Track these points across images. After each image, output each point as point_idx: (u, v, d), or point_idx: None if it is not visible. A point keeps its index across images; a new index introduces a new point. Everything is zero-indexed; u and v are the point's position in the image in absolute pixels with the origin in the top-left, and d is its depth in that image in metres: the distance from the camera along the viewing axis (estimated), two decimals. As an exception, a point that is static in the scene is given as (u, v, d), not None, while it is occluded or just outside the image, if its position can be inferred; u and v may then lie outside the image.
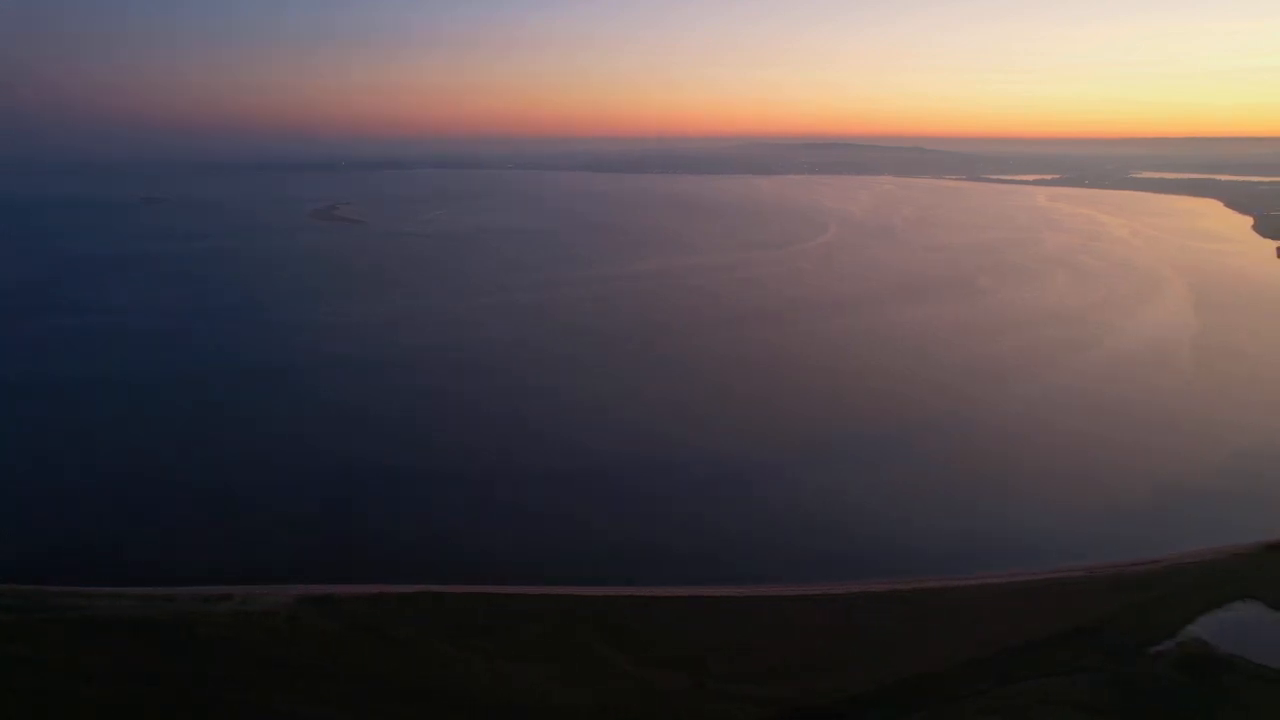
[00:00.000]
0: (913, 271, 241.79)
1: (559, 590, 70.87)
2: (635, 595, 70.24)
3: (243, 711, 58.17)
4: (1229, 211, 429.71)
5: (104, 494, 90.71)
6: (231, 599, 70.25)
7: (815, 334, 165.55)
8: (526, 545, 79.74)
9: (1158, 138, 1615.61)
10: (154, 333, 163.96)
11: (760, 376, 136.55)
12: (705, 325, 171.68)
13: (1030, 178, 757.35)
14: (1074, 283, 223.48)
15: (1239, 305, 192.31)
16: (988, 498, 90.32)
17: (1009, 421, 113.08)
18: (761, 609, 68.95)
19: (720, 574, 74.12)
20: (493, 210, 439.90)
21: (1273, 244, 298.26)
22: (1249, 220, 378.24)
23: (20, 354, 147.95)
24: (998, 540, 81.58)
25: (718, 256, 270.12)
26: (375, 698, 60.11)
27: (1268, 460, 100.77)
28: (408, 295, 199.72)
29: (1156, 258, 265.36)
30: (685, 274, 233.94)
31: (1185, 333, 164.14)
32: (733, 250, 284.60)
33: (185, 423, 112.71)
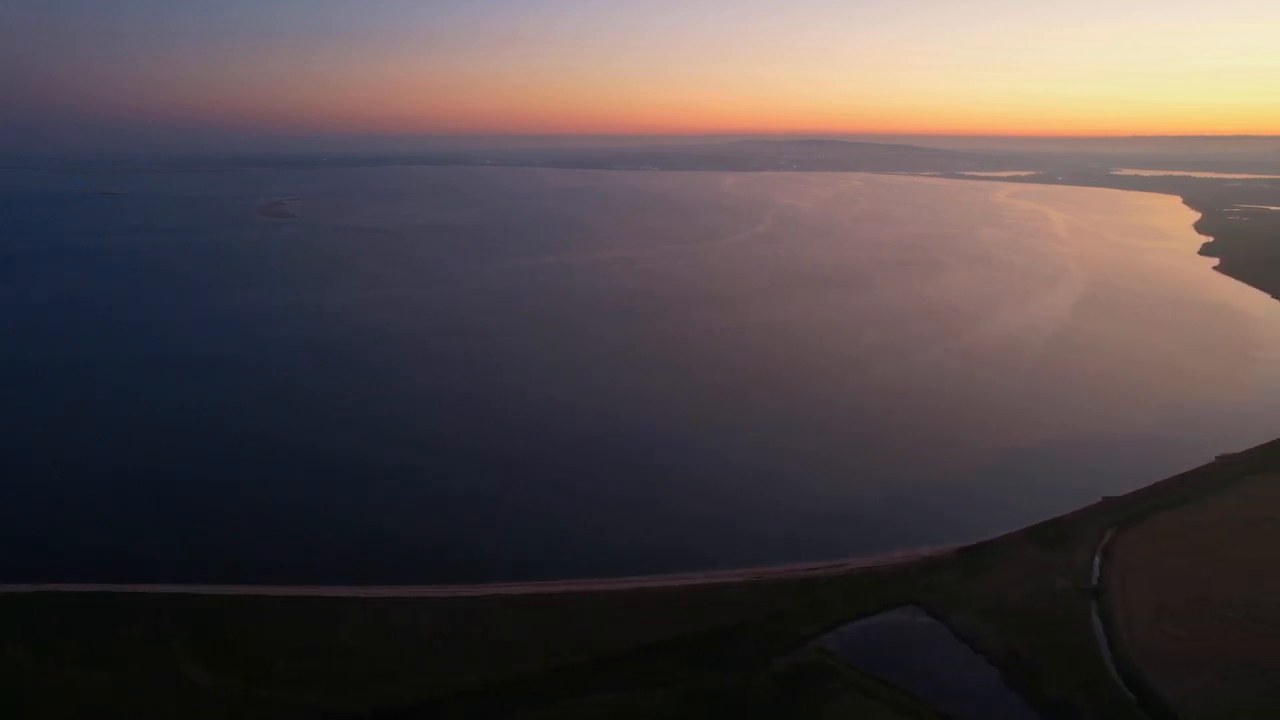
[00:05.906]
0: (818, 266, 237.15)
1: (174, 589, 67.83)
2: (246, 594, 67.05)
3: None
4: (1184, 208, 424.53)
5: None
6: None
7: (669, 328, 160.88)
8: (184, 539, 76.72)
9: (1152, 136, 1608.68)
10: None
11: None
12: (555, 321, 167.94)
13: (1006, 174, 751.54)
14: (976, 277, 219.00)
15: (1122, 301, 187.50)
16: (708, 501, 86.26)
17: (788, 425, 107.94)
18: (371, 610, 65.57)
19: (361, 574, 70.77)
20: (443, 206, 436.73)
21: (1203, 240, 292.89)
22: (1197, 217, 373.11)
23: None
24: (683, 542, 77.90)
25: (629, 250, 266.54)
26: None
27: (1030, 458, 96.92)
28: (292, 290, 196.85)
29: (1075, 253, 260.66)
30: (585, 268, 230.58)
31: (1047, 328, 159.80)
32: (651, 244, 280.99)
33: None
